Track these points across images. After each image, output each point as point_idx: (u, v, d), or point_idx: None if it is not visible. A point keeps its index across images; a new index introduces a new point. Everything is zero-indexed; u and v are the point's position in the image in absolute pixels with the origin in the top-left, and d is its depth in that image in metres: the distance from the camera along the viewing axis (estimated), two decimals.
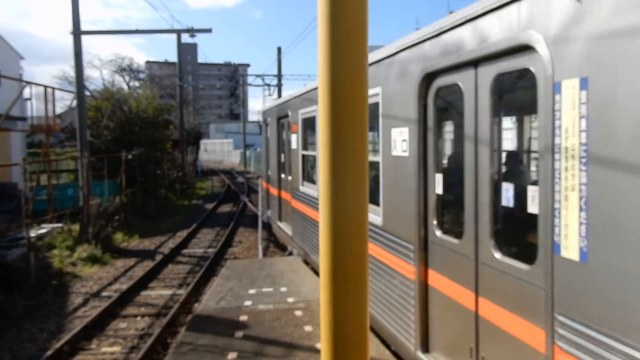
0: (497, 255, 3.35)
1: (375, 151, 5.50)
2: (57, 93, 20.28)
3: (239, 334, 6.03)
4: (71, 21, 15.91)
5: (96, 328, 8.13)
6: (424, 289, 4.32)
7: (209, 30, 20.91)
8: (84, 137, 16.26)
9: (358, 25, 1.97)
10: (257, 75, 38.26)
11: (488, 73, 3.41)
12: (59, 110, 25.31)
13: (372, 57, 5.08)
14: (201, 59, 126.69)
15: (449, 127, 4.68)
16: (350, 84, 1.98)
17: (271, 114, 12.16)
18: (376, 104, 5.17)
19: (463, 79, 3.70)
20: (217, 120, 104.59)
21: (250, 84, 41.92)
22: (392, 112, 4.83)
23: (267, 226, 13.90)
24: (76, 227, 14.51)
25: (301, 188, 9.09)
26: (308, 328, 6.16)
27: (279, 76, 37.13)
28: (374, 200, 5.38)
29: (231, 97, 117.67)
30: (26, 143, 26.41)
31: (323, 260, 2.09)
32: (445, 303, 4.03)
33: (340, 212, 2.03)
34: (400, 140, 4.63)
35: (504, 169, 3.99)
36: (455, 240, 3.87)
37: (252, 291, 7.73)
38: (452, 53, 3.74)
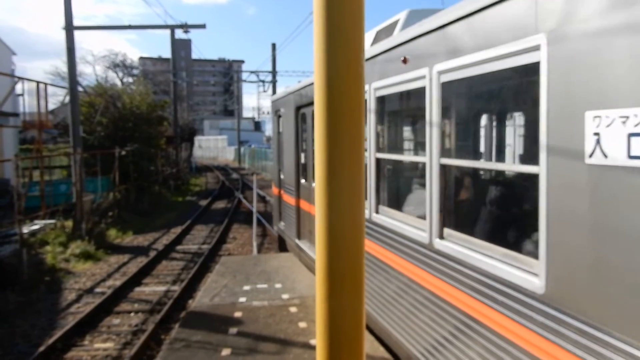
0: None
1: (511, 152, 3.43)
2: (50, 89, 20.12)
3: (233, 330, 6.02)
4: (63, 16, 15.81)
5: (89, 324, 8.09)
6: None
7: (202, 26, 20.86)
8: (77, 133, 16.17)
9: (354, 19, 1.95)
10: (252, 72, 38.27)
11: None
12: (51, 106, 25.16)
13: None
14: (195, 55, 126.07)
15: None
16: (346, 80, 1.97)
17: (286, 103, 9.69)
18: (523, 69, 2.96)
19: None
20: (212, 116, 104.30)
21: (245, 80, 42.08)
22: (586, 80, 2.53)
23: (280, 240, 11.46)
24: (69, 224, 14.44)
25: None
26: (303, 324, 6.15)
27: (274, 72, 37.12)
28: (505, 240, 3.33)
29: (225, 94, 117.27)
30: (18, 139, 26.24)
31: (319, 257, 2.08)
32: None
33: (336, 209, 2.02)
34: (621, 136, 2.36)
35: None
36: None
37: (246, 287, 7.71)
38: None
